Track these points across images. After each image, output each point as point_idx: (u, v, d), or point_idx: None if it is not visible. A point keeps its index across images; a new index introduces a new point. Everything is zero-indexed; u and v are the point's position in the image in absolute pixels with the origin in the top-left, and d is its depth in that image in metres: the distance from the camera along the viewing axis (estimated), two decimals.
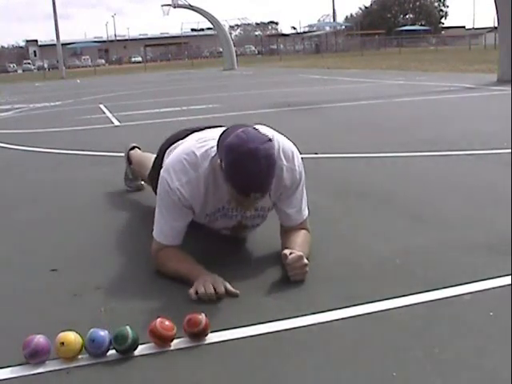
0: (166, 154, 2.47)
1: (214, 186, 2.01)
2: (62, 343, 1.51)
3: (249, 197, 1.87)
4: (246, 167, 1.80)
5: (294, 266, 1.92)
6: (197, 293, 1.82)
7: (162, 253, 2.06)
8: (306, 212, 2.22)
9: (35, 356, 1.51)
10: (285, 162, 2.06)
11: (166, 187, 2.02)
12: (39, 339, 1.52)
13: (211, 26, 31.59)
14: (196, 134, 2.33)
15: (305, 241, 2.14)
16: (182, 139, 2.39)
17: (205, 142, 2.08)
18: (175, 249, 2.06)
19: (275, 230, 2.59)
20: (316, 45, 55.25)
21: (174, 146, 2.43)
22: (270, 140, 1.89)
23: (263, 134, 1.90)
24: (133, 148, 3.38)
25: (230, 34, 36.85)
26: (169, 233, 2.07)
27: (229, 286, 1.86)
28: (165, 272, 2.04)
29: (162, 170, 2.09)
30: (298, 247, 2.03)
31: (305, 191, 2.20)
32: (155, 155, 2.66)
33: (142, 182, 3.35)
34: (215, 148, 1.96)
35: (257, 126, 1.97)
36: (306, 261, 1.94)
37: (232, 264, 2.16)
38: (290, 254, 1.94)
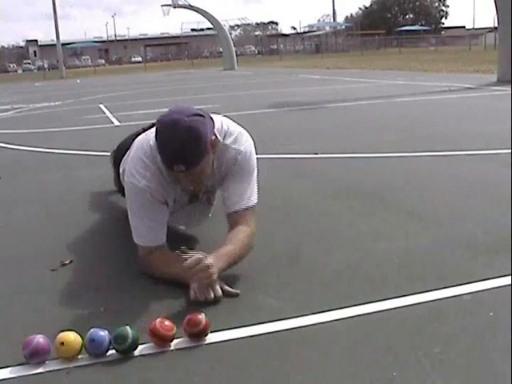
0: (121, 162, 2.49)
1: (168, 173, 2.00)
2: (62, 343, 1.51)
3: (173, 170, 1.87)
4: (166, 137, 1.85)
5: (195, 271, 1.78)
6: (196, 297, 1.80)
7: (150, 257, 2.03)
8: (250, 201, 2.08)
9: (35, 356, 1.50)
10: (230, 143, 2.07)
11: (135, 189, 2.02)
12: (39, 339, 1.52)
13: (211, 26, 31.58)
14: (144, 132, 2.30)
15: (236, 240, 1.98)
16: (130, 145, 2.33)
17: (152, 133, 2.05)
18: (163, 250, 2.03)
19: (275, 230, 2.59)
20: (316, 45, 55.23)
21: (126, 154, 2.39)
22: (201, 116, 1.89)
23: (196, 110, 1.91)
24: None
25: (230, 34, 36.81)
26: (148, 234, 2.04)
27: (226, 287, 1.86)
28: (159, 276, 2.00)
29: (125, 176, 2.11)
30: (223, 248, 1.93)
31: (254, 183, 2.13)
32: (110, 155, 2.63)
33: None
34: None
35: (213, 115, 2.00)
36: (206, 262, 1.78)
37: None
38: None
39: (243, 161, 2.09)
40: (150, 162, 1.99)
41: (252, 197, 2.10)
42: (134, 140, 2.28)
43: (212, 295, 1.80)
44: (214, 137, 1.95)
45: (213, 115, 2.04)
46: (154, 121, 2.01)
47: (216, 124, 2.04)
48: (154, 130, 2.02)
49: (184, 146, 1.83)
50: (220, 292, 1.82)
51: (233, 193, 2.08)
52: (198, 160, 1.88)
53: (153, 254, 2.03)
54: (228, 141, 2.07)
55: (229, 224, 2.07)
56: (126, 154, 2.37)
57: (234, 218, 2.06)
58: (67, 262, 2.27)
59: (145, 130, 2.33)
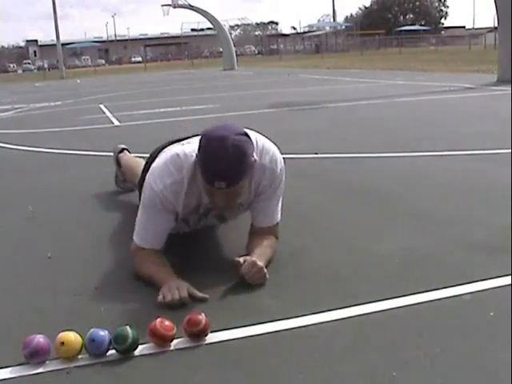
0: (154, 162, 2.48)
1: (196, 185, 2.00)
2: (62, 343, 1.51)
3: (213, 186, 1.86)
4: (212, 153, 1.83)
5: (252, 274, 1.91)
6: (163, 299, 1.80)
7: (139, 254, 2.06)
8: (277, 217, 2.21)
9: (35, 356, 1.51)
10: (267, 163, 2.07)
11: (150, 191, 2.02)
12: (39, 339, 1.52)
13: (211, 26, 31.59)
14: (182, 141, 2.31)
15: (268, 245, 2.11)
16: (168, 146, 2.35)
17: (188, 144, 2.10)
18: (152, 252, 2.03)
19: None
20: (316, 45, 55.22)
21: (161, 152, 2.39)
22: (247, 135, 1.89)
23: (242, 129, 1.91)
24: (122, 150, 3.35)
25: (230, 34, 36.82)
26: (148, 237, 2.06)
27: (194, 291, 1.84)
28: (140, 275, 2.02)
29: (147, 174, 2.11)
30: (258, 250, 2.03)
31: (281, 198, 2.21)
32: (145, 161, 2.64)
33: None
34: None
35: (248, 132, 1.98)
36: (260, 264, 1.92)
37: (232, 264, 2.16)
38: (244, 261, 1.92)
39: (277, 182, 2.14)
40: (176, 171, 1.98)
41: (279, 214, 2.21)
42: (173, 143, 2.31)
43: (177, 296, 1.79)
44: (254, 158, 1.95)
45: (248, 131, 2.02)
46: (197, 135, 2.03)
47: (254, 143, 2.02)
48: (190, 140, 2.10)
49: (230, 164, 1.82)
50: (186, 294, 1.81)
51: (262, 210, 2.17)
52: (240, 179, 1.89)
53: (141, 251, 2.04)
54: (265, 161, 2.07)
55: (252, 233, 2.17)
56: (163, 150, 2.35)
57: (265, 230, 2.17)
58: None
59: (179, 141, 2.33)
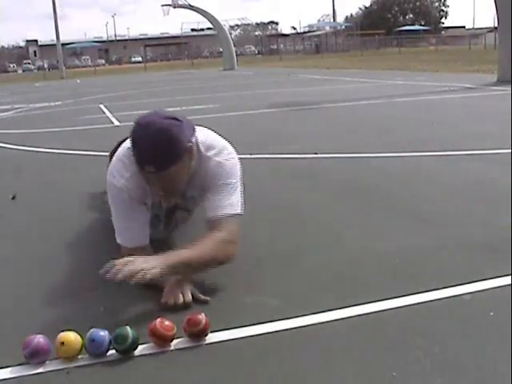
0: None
1: None
2: (62, 343, 1.51)
3: (144, 170, 1.87)
4: (138, 137, 1.86)
5: (124, 271, 1.71)
6: (166, 303, 1.79)
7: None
8: (230, 210, 1.99)
9: (35, 356, 1.51)
10: (212, 155, 2.04)
11: (114, 189, 2.03)
12: (39, 339, 1.52)
13: (211, 26, 31.59)
14: None
15: (200, 245, 1.89)
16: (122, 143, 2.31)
17: None
18: (142, 251, 2.00)
19: (275, 230, 2.60)
20: (316, 45, 55.19)
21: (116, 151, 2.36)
22: (179, 120, 1.89)
23: (175, 114, 1.92)
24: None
25: (230, 34, 36.81)
26: (126, 234, 2.04)
27: (197, 293, 1.84)
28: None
29: (107, 175, 2.11)
30: (180, 250, 1.87)
31: (237, 195, 2.03)
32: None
33: None
34: None
35: (200, 128, 2.01)
36: (135, 266, 1.72)
37: (231, 264, 2.16)
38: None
39: (224, 173, 2.03)
40: (130, 163, 1.98)
41: (234, 206, 2.00)
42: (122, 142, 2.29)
43: (181, 300, 1.79)
44: (190, 144, 1.93)
45: (199, 127, 2.04)
46: None
47: (200, 136, 2.04)
48: None
49: (155, 146, 1.82)
50: (190, 297, 1.81)
51: (212, 201, 2.01)
52: (169, 163, 1.86)
53: (133, 252, 1.94)
54: (210, 153, 2.04)
55: (207, 231, 1.98)
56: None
57: (211, 224, 1.98)
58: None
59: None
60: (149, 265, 1.74)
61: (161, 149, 1.83)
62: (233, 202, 2.00)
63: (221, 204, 1.99)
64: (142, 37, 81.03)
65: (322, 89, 11.51)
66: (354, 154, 4.27)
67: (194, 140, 1.98)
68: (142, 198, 2.03)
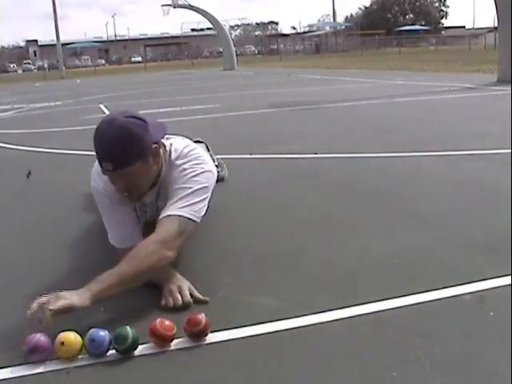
0: None
1: None
2: (62, 343, 1.51)
3: (103, 168, 1.86)
4: (98, 134, 1.84)
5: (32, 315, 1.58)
6: (166, 305, 1.79)
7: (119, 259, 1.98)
8: (176, 212, 1.88)
9: (35, 352, 1.51)
10: (179, 162, 2.00)
11: (96, 192, 2.05)
12: (40, 337, 1.52)
13: (211, 26, 31.58)
14: None
15: (133, 259, 1.77)
16: None
17: None
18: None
19: (275, 230, 2.60)
20: (316, 45, 55.21)
21: None
22: (143, 120, 1.87)
23: (141, 115, 1.90)
24: None
25: (230, 34, 36.82)
26: (115, 235, 2.06)
27: (196, 293, 1.83)
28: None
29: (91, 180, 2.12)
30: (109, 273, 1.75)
31: (195, 200, 1.93)
32: None
33: None
34: None
35: (180, 138, 2.04)
36: (36, 305, 1.59)
37: (232, 264, 2.17)
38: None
39: (185, 179, 1.96)
40: None
41: (184, 209, 1.88)
42: None
43: (180, 301, 1.79)
44: (155, 146, 1.92)
45: (179, 137, 2.03)
46: None
47: (176, 144, 2.03)
48: None
49: (113, 143, 1.81)
50: (189, 298, 1.81)
51: (168, 204, 1.92)
52: (127, 162, 1.83)
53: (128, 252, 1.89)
54: (179, 161, 2.01)
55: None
56: None
57: (159, 222, 1.88)
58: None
59: None
60: (72, 300, 1.63)
61: (118, 146, 1.81)
62: (190, 207, 1.90)
63: (170, 207, 1.90)
64: (141, 37, 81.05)
65: (322, 89, 11.50)
66: (354, 154, 4.27)
67: (162, 143, 1.97)
68: (122, 200, 2.02)
